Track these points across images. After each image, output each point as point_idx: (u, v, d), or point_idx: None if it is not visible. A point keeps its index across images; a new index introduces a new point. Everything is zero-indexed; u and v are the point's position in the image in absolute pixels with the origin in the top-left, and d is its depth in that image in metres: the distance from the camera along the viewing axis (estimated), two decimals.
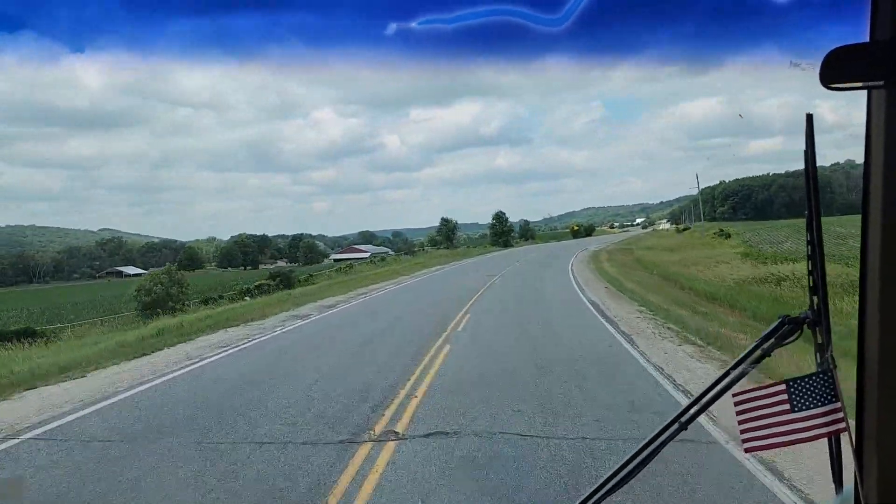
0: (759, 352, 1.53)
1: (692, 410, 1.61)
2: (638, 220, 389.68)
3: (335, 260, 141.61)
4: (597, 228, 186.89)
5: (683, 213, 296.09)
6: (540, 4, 1.47)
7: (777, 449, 1.65)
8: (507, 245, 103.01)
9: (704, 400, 1.59)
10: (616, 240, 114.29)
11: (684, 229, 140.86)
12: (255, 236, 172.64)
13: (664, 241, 79.21)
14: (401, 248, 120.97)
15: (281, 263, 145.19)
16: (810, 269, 1.45)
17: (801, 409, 1.49)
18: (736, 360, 1.55)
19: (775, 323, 1.50)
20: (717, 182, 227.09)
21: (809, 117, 1.41)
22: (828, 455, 1.49)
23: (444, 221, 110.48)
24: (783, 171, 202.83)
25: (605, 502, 1.57)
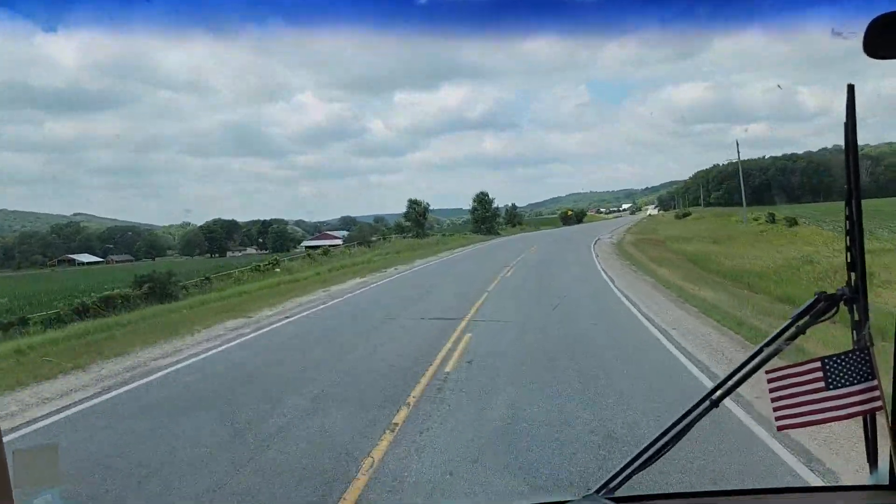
0: (793, 329, 1.51)
1: (724, 387, 1.59)
2: (625, 206, 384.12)
3: (307, 247, 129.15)
4: (586, 214, 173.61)
5: (673, 198, 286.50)
6: None
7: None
8: (490, 232, 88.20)
9: (736, 377, 1.58)
10: (616, 226, 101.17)
11: (685, 214, 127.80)
12: (224, 221, 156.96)
13: (685, 229, 66.24)
14: (354, 237, 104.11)
15: (251, 250, 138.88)
16: (848, 245, 1.46)
17: (836, 387, 1.48)
18: (769, 337, 1.52)
19: (811, 300, 1.48)
20: (711, 165, 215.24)
21: (851, 88, 1.38)
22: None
23: (413, 204, 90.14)
24: (780, 154, 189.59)
25: (637, 477, 1.56)
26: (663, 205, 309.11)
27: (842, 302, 1.47)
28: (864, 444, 1.52)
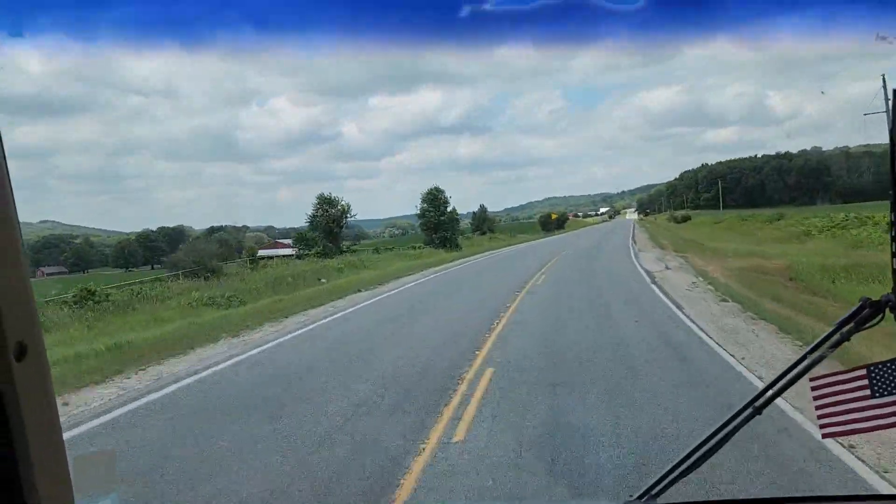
0: (837, 336, 1.48)
1: (767, 395, 1.57)
2: (602, 210, 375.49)
3: (260, 257, 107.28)
4: (568, 219, 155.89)
5: (653, 201, 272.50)
6: None
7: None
8: (447, 244, 60.23)
9: (780, 385, 1.56)
10: (610, 232, 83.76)
11: (684, 219, 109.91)
12: (169, 229, 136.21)
13: (742, 243, 47.15)
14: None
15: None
16: (894, 250, 1.39)
17: (882, 395, 1.44)
18: (813, 344, 1.51)
19: (855, 306, 1.44)
20: (700, 165, 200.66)
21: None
22: None
23: (324, 203, 56.78)
24: (774, 153, 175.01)
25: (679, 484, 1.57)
26: (643, 208, 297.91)
27: (888, 308, 1.41)
28: None
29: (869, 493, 4.86)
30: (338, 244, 54.86)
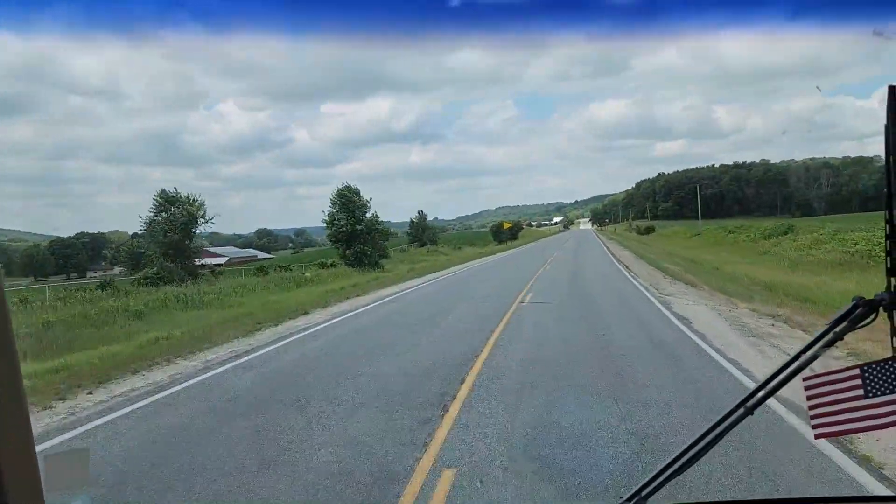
0: (831, 335, 1.48)
1: (759, 395, 1.57)
2: (556, 219, 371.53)
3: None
4: (522, 228, 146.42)
5: (610, 211, 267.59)
6: None
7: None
8: (362, 262, 43.90)
9: (773, 384, 1.56)
10: (574, 244, 72.84)
11: (647, 230, 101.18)
12: (89, 235, 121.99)
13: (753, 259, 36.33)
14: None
15: (118, 270, 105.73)
16: (888, 249, 1.40)
17: (876, 395, 1.44)
18: (806, 343, 1.50)
19: (848, 305, 1.45)
20: (657, 174, 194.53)
21: (892, 90, 1.31)
22: None
23: (165, 203, 37.51)
24: (731, 163, 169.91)
25: (670, 484, 1.59)
26: (598, 218, 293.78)
27: (881, 308, 1.41)
28: None
29: (862, 494, 4.88)
30: (186, 263, 36.86)
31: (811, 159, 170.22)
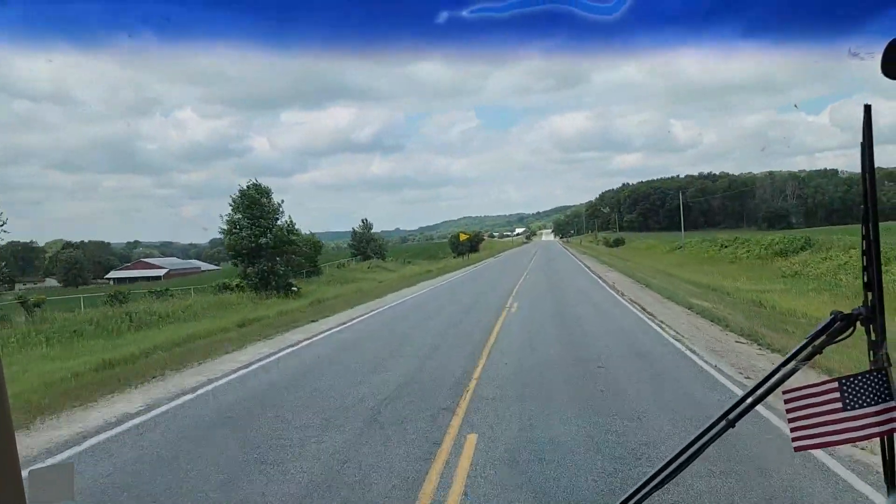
0: (810, 349, 1.51)
1: (740, 408, 1.58)
2: (518, 231, 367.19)
3: (114, 279, 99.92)
4: (483, 239, 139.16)
5: (572, 222, 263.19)
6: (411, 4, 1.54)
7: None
8: (271, 285, 33.33)
9: (753, 397, 1.58)
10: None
11: (617, 242, 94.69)
12: (19, 245, 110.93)
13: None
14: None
15: (53, 282, 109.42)
16: (865, 264, 1.46)
17: (853, 408, 1.47)
18: (786, 357, 1.54)
19: (827, 319, 1.49)
20: (621, 185, 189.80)
21: (868, 108, 1.39)
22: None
23: None
24: (696, 174, 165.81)
25: (652, 497, 1.60)
26: (560, 230, 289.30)
27: (858, 321, 1.46)
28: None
29: None
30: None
31: (773, 172, 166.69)
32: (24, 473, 1.05)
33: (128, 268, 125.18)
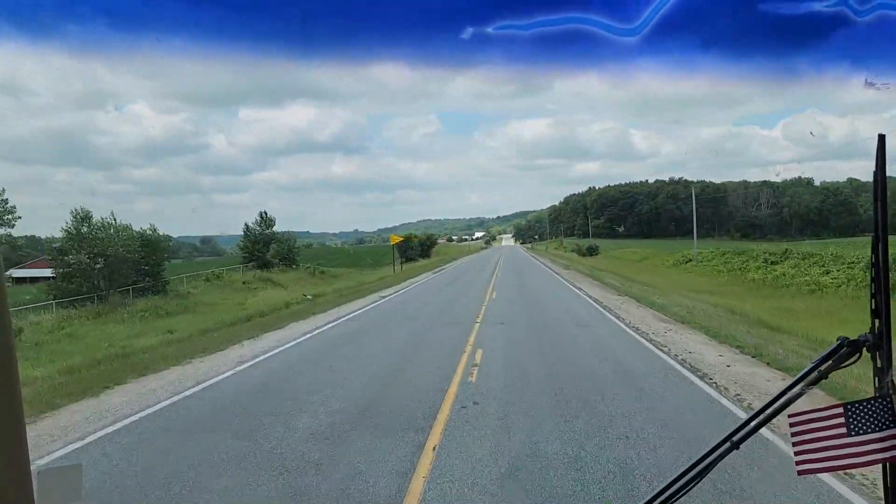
0: (815, 374, 1.52)
1: (745, 430, 1.58)
2: (478, 235, 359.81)
3: (14, 278, 78.55)
4: (436, 243, 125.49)
5: (534, 227, 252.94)
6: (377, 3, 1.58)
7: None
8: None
9: (758, 420, 1.59)
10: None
11: (591, 251, 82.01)
12: None
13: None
14: None
15: None
16: (873, 291, 1.47)
17: (858, 433, 1.47)
18: (792, 380, 1.55)
19: (833, 345, 1.51)
20: (587, 188, 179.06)
21: (882, 138, 1.42)
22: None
23: None
24: (667, 179, 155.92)
25: None
26: (521, 235, 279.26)
27: (865, 348, 1.47)
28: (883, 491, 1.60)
29: None
30: None
31: (746, 180, 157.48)
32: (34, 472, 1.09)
33: (29, 265, 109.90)
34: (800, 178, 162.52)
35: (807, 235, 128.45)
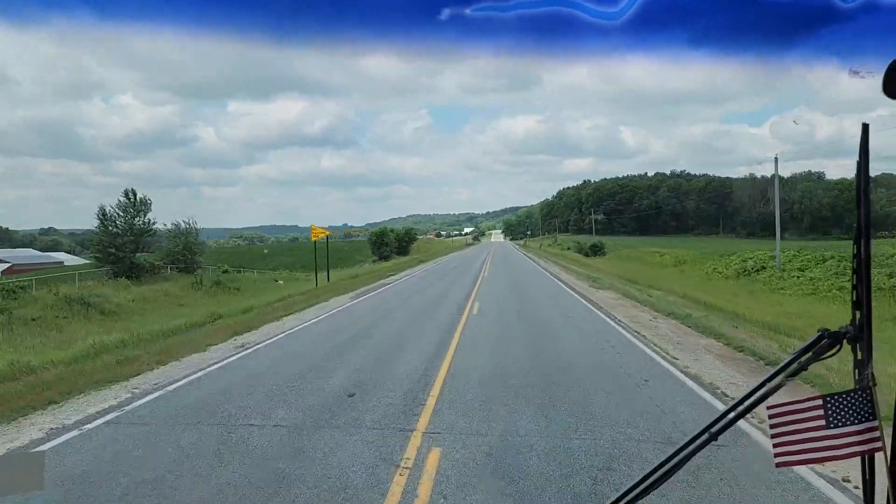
0: (795, 365, 1.52)
1: (723, 421, 1.59)
2: (466, 230, 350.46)
3: None
4: (421, 238, 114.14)
5: (524, 223, 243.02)
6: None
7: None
8: None
9: (737, 411, 1.59)
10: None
11: (594, 248, 70.32)
12: None
13: None
14: None
15: None
16: (855, 283, 1.49)
17: (836, 426, 1.47)
18: (772, 372, 1.55)
19: (814, 336, 1.50)
20: (581, 182, 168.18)
21: (865, 127, 1.41)
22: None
23: None
24: (668, 172, 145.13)
25: None
26: (511, 230, 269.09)
27: (845, 340, 1.47)
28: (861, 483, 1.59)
29: None
30: None
31: (754, 174, 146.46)
32: None
33: None
34: (810, 172, 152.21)
35: (819, 233, 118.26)
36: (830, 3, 1.45)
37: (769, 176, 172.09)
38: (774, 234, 47.42)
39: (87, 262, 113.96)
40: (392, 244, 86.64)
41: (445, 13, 1.42)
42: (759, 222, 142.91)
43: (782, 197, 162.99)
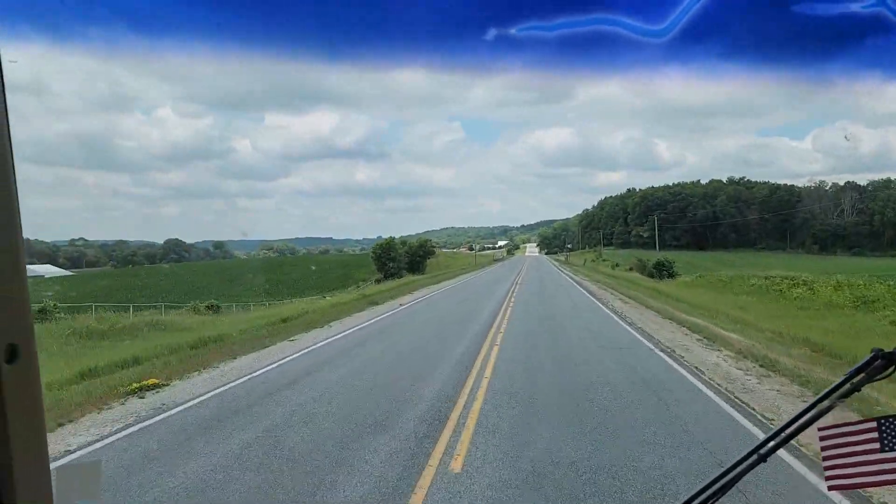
0: (847, 386, 1.46)
1: (772, 443, 1.55)
2: (501, 243, 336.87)
3: None
4: (448, 251, 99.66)
5: (559, 235, 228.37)
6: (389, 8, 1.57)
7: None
8: None
9: (787, 432, 1.54)
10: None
11: (659, 269, 52.22)
12: None
13: None
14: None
15: None
16: None
17: (892, 449, 1.41)
18: (823, 392, 1.49)
19: (867, 357, 1.44)
20: (625, 190, 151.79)
21: None
22: None
23: None
24: (725, 179, 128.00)
25: None
26: (546, 243, 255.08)
27: None
28: None
29: None
30: None
31: (824, 181, 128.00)
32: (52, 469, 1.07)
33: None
34: (889, 179, 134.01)
35: None
36: (879, 15, 1.40)
37: (841, 184, 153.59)
38: (850, 249, 35.21)
39: (68, 272, 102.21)
40: (401, 259, 70.86)
41: (491, 33, 1.43)
42: (833, 235, 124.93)
43: (860, 207, 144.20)
